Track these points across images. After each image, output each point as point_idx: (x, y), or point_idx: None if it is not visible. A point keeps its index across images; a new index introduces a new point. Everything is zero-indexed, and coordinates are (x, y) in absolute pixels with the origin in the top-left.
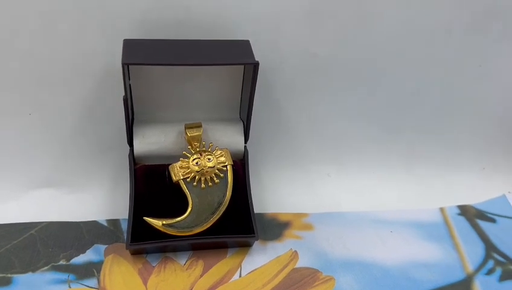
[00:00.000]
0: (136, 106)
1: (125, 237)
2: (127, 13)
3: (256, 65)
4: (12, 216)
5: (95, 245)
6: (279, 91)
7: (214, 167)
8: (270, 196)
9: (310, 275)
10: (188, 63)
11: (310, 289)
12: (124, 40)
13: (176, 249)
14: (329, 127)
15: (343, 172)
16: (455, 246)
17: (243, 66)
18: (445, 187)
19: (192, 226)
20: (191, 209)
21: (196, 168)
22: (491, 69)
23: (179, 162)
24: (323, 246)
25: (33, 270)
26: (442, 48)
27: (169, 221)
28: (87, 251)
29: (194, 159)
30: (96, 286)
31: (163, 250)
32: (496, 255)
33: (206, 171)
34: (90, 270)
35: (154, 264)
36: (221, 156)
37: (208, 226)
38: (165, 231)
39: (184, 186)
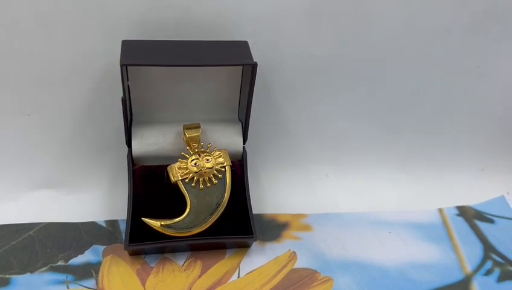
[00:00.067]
0: (134, 106)
1: (124, 238)
2: (126, 14)
3: (254, 66)
4: (10, 217)
5: (94, 246)
6: (277, 92)
7: (212, 167)
8: (268, 197)
9: (309, 275)
10: (186, 64)
11: None
12: (123, 40)
13: (174, 250)
14: (328, 128)
15: (341, 173)
16: (454, 247)
17: (241, 67)
18: (443, 188)
19: (191, 227)
20: (190, 210)
21: (195, 169)
22: (490, 70)
23: (178, 163)
24: (321, 246)
25: (31, 271)
26: (441, 48)
27: (168, 222)
28: (85, 252)
29: (192, 160)
30: (95, 287)
31: (161, 251)
32: (494, 256)
33: (205, 172)
34: (89, 271)
35: (152, 265)
36: (220, 156)
37: (207, 227)
38: (163, 231)
39: (182, 187)
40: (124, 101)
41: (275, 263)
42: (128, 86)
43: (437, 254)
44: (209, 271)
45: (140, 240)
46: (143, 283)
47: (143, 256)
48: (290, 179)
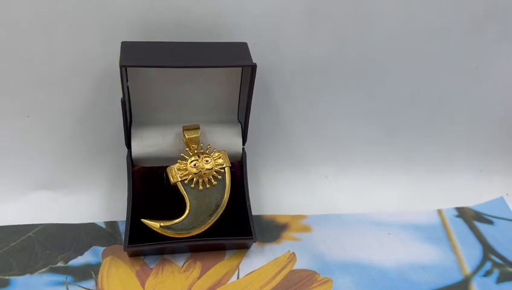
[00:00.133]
0: (134, 108)
1: (123, 239)
2: (125, 15)
3: (253, 67)
4: (10, 218)
5: (93, 247)
6: (277, 93)
7: (211, 169)
8: (268, 198)
9: (308, 277)
10: (185, 65)
11: None
12: (122, 42)
13: (173, 251)
14: (327, 129)
15: (341, 174)
16: (453, 248)
17: (240, 68)
18: (443, 189)
19: (190, 228)
20: (189, 211)
21: (194, 170)
22: (489, 71)
23: (177, 164)
24: (321, 248)
25: (31, 272)
26: (441, 49)
27: (167, 223)
28: (85, 253)
29: (192, 161)
30: (94, 288)
31: (161, 252)
32: (493, 257)
33: (204, 173)
34: (88, 272)
35: (152, 266)
36: (219, 158)
37: (206, 228)
38: (162, 233)
39: (182, 188)
40: (123, 102)
41: (274, 264)
42: (128, 87)
43: (436, 255)
44: (208, 272)
45: (140, 241)
46: (142, 284)
47: (142, 257)
48: (290, 180)
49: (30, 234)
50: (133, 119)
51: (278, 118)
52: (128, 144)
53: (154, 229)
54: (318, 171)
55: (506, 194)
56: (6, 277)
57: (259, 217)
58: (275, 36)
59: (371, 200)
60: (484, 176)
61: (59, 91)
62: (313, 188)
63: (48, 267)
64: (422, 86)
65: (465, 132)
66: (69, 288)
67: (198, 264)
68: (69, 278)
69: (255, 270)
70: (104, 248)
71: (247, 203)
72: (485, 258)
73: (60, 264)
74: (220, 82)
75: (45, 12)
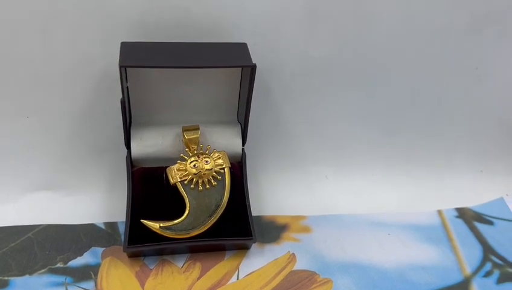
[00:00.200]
0: (133, 108)
1: (123, 240)
2: (125, 15)
3: (253, 67)
4: (9, 219)
5: (92, 248)
6: (277, 93)
7: (211, 169)
8: (267, 199)
9: (308, 277)
10: (185, 66)
11: None
12: (122, 42)
13: (173, 252)
14: (327, 129)
15: (341, 174)
16: (453, 249)
17: (240, 69)
18: (443, 190)
19: (190, 229)
20: (189, 212)
21: (194, 170)
22: (489, 71)
23: (177, 165)
24: (321, 248)
25: (30, 273)
26: (440, 49)
27: (167, 223)
28: (84, 254)
29: (191, 162)
30: (93, 289)
31: (160, 253)
32: (493, 258)
33: (204, 174)
34: (88, 273)
35: (151, 267)
36: (219, 158)
37: (206, 228)
38: (162, 233)
39: (181, 189)
40: (123, 102)
41: (274, 265)
42: (127, 87)
43: (436, 256)
44: (208, 273)
45: (139, 242)
46: (142, 285)
47: (142, 258)
48: (290, 181)
49: (29, 234)
50: (132, 120)
51: (277, 118)
52: (128, 145)
53: (153, 229)
54: (318, 171)
55: (506, 194)
56: (6, 278)
57: (259, 217)
58: (274, 36)
59: (370, 201)
60: (484, 177)
61: (58, 91)
62: (313, 188)
63: (47, 268)
64: (422, 86)
65: (465, 132)
66: (68, 289)
67: (198, 265)
68: (69, 279)
69: (255, 270)
70: (104, 248)
71: (247, 204)
72: (485, 259)
73: (59, 265)
74: (220, 82)
75: (44, 12)
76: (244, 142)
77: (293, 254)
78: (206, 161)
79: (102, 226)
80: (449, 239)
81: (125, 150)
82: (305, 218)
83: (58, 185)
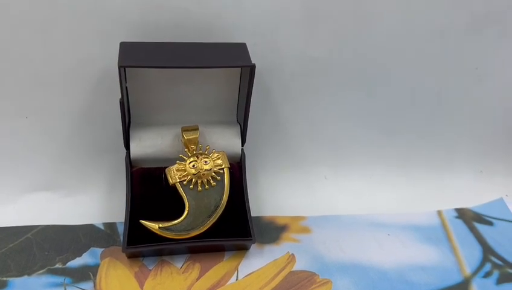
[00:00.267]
0: (132, 108)
1: (122, 240)
2: (124, 16)
3: (252, 68)
4: (8, 219)
5: (91, 248)
6: (276, 93)
7: (210, 169)
8: (267, 199)
9: (307, 278)
10: (184, 66)
11: None
12: (121, 42)
13: (172, 252)
14: (326, 130)
15: (340, 175)
16: (452, 249)
17: (239, 69)
18: (442, 190)
19: (189, 229)
20: (188, 212)
21: (193, 171)
22: (489, 71)
23: (176, 165)
24: (320, 249)
25: (29, 274)
26: (440, 50)
27: (166, 224)
28: (83, 254)
29: (190, 162)
30: None
31: (159, 253)
32: (493, 258)
33: (203, 174)
34: (87, 273)
35: (150, 268)
36: (218, 158)
37: (205, 229)
38: (161, 234)
39: (181, 189)
40: (122, 103)
41: (273, 266)
42: (127, 88)
43: (436, 256)
44: (207, 273)
45: (139, 243)
46: (141, 286)
47: (141, 258)
48: (289, 181)
49: (28, 235)
50: (131, 120)
51: (277, 118)
52: (127, 145)
53: (152, 230)
54: (317, 172)
55: (506, 195)
56: (4, 278)
57: (258, 218)
58: (274, 36)
59: (370, 201)
60: (484, 177)
61: (58, 92)
62: (313, 189)
63: (46, 268)
64: (421, 86)
65: (465, 132)
66: (67, 289)
67: (197, 266)
68: (67, 280)
69: (254, 271)
70: (103, 249)
71: (246, 204)
72: (484, 260)
73: (58, 265)
74: (219, 83)
75: (44, 13)
76: (243, 142)
77: (292, 254)
78: (205, 161)
79: (102, 227)
80: (449, 240)
81: (124, 151)
82: (305, 218)
83: (57, 185)
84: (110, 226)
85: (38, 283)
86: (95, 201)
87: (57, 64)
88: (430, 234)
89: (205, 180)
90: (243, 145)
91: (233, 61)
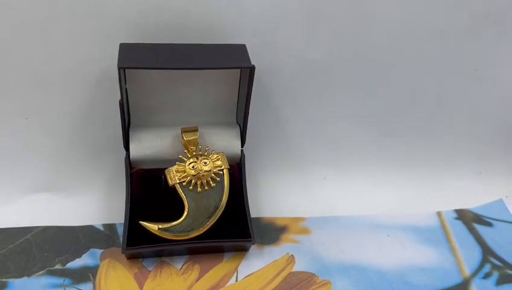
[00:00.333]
0: (132, 110)
1: (121, 241)
2: (124, 17)
3: (252, 69)
4: (8, 220)
5: (91, 250)
6: (275, 94)
7: (210, 170)
8: (266, 200)
9: (307, 279)
10: (184, 67)
11: None
12: (120, 44)
13: (172, 254)
14: (326, 130)
15: (340, 175)
16: (452, 250)
17: (239, 70)
18: (442, 191)
19: (189, 230)
20: (187, 213)
21: (192, 172)
22: (488, 72)
23: (175, 166)
24: (320, 250)
25: (28, 275)
26: (440, 51)
27: (166, 225)
28: (82, 256)
29: (190, 163)
30: None
31: (159, 254)
32: (492, 259)
33: (203, 175)
34: (86, 274)
35: (150, 269)
36: (218, 159)
37: (204, 230)
38: (161, 235)
39: (180, 190)
40: (121, 104)
41: (273, 267)
42: (126, 89)
43: (435, 257)
44: (207, 275)
45: (138, 244)
46: (140, 287)
47: (141, 260)
48: (288, 182)
49: (28, 236)
50: (131, 121)
51: (276, 119)
52: (127, 146)
53: (152, 231)
54: (317, 173)
55: (506, 196)
56: (4, 280)
57: (258, 219)
58: (273, 37)
59: (370, 202)
60: (483, 178)
61: (57, 93)
62: (312, 190)
63: (46, 269)
64: (421, 87)
65: (465, 133)
66: None
67: (197, 267)
68: (67, 281)
69: (254, 272)
70: (102, 250)
71: (246, 205)
72: (484, 261)
73: (58, 266)
74: (219, 84)
75: (43, 13)
76: (243, 143)
77: (292, 255)
78: (205, 163)
79: (101, 228)
80: (448, 241)
81: (124, 152)
82: (304, 219)
83: (56, 186)
84: (110, 227)
85: (38, 284)
86: (94, 202)
87: (57, 65)
88: (429, 235)
89: (205, 181)
90: (242, 146)
91: (232, 63)
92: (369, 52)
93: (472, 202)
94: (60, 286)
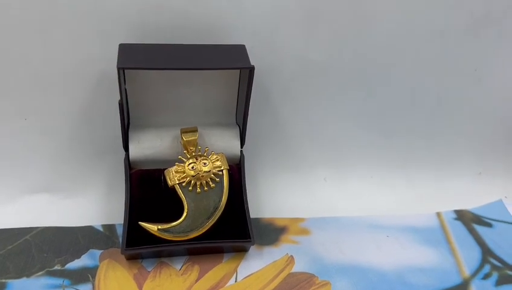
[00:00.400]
0: (131, 110)
1: (121, 242)
2: (123, 17)
3: (251, 69)
4: (7, 221)
5: (90, 250)
6: (275, 95)
7: (209, 171)
8: (266, 201)
9: (306, 279)
10: (183, 68)
11: None
12: (120, 44)
13: (171, 254)
14: (325, 131)
15: (339, 176)
16: (452, 251)
17: (238, 71)
18: (441, 192)
19: (188, 231)
20: (187, 214)
21: (192, 172)
22: (488, 73)
23: (175, 167)
24: (319, 250)
25: (28, 276)
26: (439, 52)
27: (165, 226)
28: (82, 256)
29: (189, 164)
30: None
31: (158, 255)
32: (492, 260)
33: (202, 176)
34: (85, 275)
35: (149, 269)
36: (217, 160)
37: (204, 231)
38: (160, 235)
39: (180, 191)
40: (121, 104)
41: (272, 267)
42: (126, 89)
43: (435, 258)
44: (206, 275)
45: (138, 244)
46: (140, 287)
47: (140, 260)
48: (288, 183)
49: (27, 237)
50: (130, 122)
51: (276, 120)
52: (126, 147)
53: (151, 232)
54: (317, 173)
55: (505, 196)
56: (3, 280)
57: (257, 219)
58: (273, 38)
59: (369, 203)
60: (483, 179)
61: (57, 93)
62: (312, 190)
63: (45, 270)
64: (420, 88)
65: (464, 134)
66: None
67: (196, 267)
68: (66, 281)
69: (253, 273)
70: (102, 251)
71: (245, 206)
72: (484, 261)
73: (57, 267)
74: (218, 84)
75: (43, 14)
76: (242, 144)
77: (291, 256)
78: (204, 163)
79: (100, 229)
80: (448, 241)
81: (123, 152)
82: (304, 220)
83: (56, 187)
84: (109, 227)
85: (37, 284)
86: (93, 203)
87: (57, 65)
88: (429, 236)
89: (204, 182)
90: (242, 147)
91: (232, 63)
92: (369, 52)
93: (472, 203)
94: (59, 286)
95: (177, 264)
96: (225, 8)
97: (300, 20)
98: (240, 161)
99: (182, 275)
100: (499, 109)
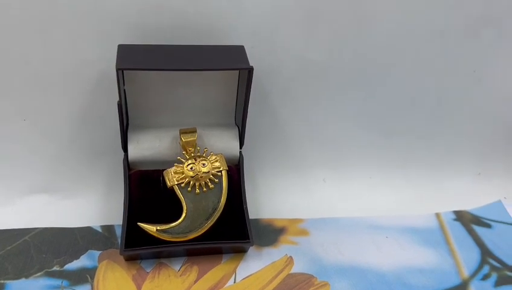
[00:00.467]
0: (130, 111)
1: (120, 243)
2: (122, 18)
3: (250, 70)
4: (6, 222)
5: (89, 251)
6: (274, 96)
7: (208, 172)
8: (265, 201)
9: (305, 280)
10: (182, 68)
11: None
12: (119, 45)
13: (170, 255)
14: (325, 132)
15: (338, 177)
16: (451, 252)
17: (238, 71)
18: (440, 192)
19: (187, 232)
20: (186, 215)
21: (191, 173)
22: (487, 73)
23: (174, 168)
24: (318, 251)
25: (26, 276)
26: (439, 52)
27: (164, 227)
28: (81, 257)
29: (188, 165)
30: None
31: (157, 256)
32: (491, 261)
33: (201, 177)
34: (84, 276)
35: (148, 270)
36: (216, 161)
37: (203, 231)
38: (159, 236)
39: (178, 192)
40: (120, 105)
41: (271, 268)
42: (125, 90)
43: (434, 259)
44: (205, 276)
45: (136, 245)
46: (139, 288)
47: (139, 261)
48: (287, 184)
49: (26, 237)
50: (129, 123)
51: (275, 121)
52: (125, 148)
53: (150, 232)
54: (316, 174)
55: (504, 197)
56: (2, 281)
57: (256, 220)
58: (272, 38)
59: (368, 204)
60: (482, 179)
61: (56, 94)
62: (311, 191)
63: (44, 271)
64: (419, 89)
65: (463, 134)
66: None
67: (195, 268)
68: (65, 282)
69: (252, 274)
70: (100, 251)
71: (244, 207)
72: (483, 262)
73: (56, 268)
74: (217, 85)
75: (42, 14)
76: (241, 144)
77: (290, 257)
78: (203, 164)
79: (99, 229)
80: (447, 242)
81: (122, 153)
82: (303, 221)
83: (55, 187)
84: (108, 228)
85: (36, 285)
86: (92, 203)
87: (55, 66)
88: (428, 237)
89: (203, 182)
90: (241, 148)
91: (231, 64)
92: (369, 52)
93: (471, 203)
94: (58, 287)
95: (176, 265)
96: (225, 8)
97: (300, 20)
98: (239, 161)
99: (180, 276)
100: (498, 109)
